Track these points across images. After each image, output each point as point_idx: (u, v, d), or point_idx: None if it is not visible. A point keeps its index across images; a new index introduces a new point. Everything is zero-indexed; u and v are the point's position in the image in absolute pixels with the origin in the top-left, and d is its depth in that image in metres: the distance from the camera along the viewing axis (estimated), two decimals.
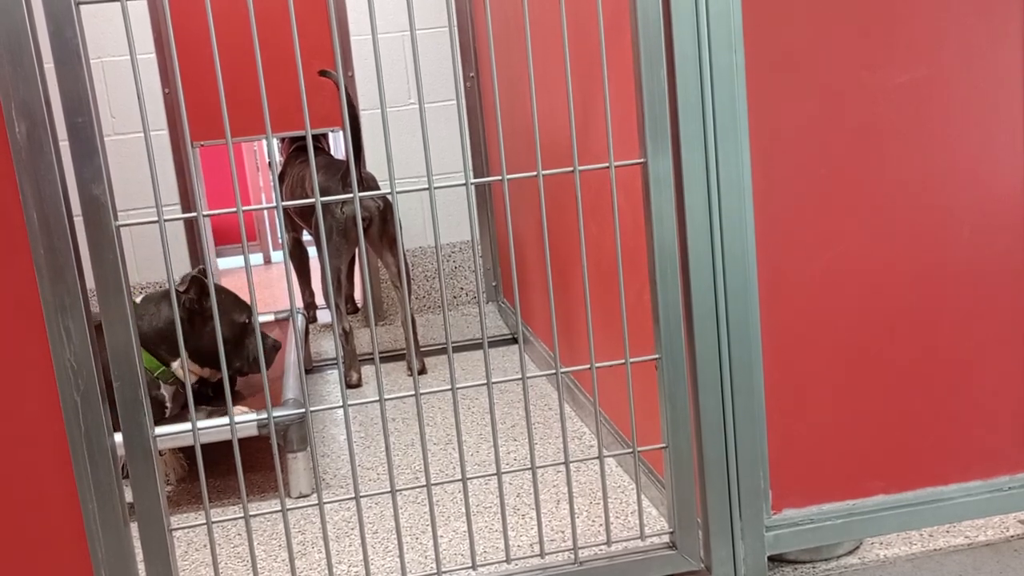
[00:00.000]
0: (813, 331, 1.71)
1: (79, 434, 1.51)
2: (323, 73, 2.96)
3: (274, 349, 2.63)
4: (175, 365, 2.46)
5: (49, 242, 1.45)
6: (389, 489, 1.67)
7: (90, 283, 1.49)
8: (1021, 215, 1.73)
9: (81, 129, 1.44)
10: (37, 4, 1.39)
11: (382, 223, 3.17)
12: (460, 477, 1.71)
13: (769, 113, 1.63)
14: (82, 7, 1.41)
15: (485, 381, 1.67)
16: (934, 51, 1.66)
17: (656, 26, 1.57)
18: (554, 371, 1.71)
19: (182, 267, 3.76)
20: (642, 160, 1.63)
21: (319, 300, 3.93)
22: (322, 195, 3.04)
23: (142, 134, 3.34)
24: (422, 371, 3.33)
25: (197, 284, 2.44)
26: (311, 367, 3.49)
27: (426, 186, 1.58)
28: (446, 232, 3.98)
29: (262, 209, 1.70)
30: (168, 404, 2.47)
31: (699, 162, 1.61)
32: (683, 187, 1.61)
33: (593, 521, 2.12)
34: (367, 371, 3.34)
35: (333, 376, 3.43)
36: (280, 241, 5.70)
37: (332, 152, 3.94)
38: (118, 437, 1.55)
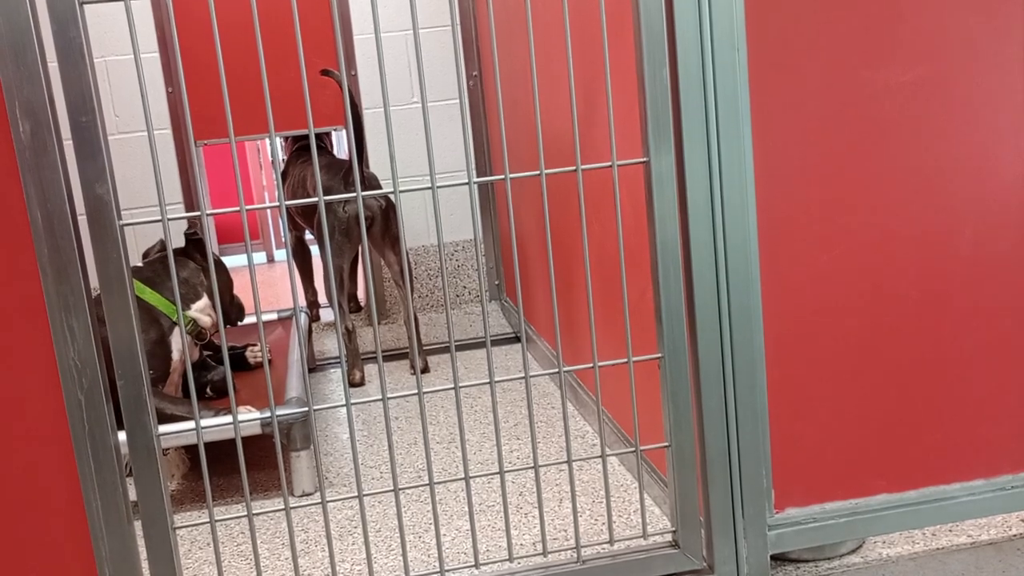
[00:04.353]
0: (816, 330, 1.71)
1: (83, 433, 1.52)
2: (325, 72, 2.96)
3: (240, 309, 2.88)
4: (195, 308, 2.59)
5: (53, 241, 1.45)
6: (392, 488, 1.67)
7: (93, 282, 1.50)
8: (1023, 213, 1.73)
9: (85, 128, 1.44)
10: (41, 4, 1.40)
11: (384, 222, 3.17)
12: (463, 476, 1.71)
13: (771, 111, 1.63)
14: (86, 6, 1.41)
15: (488, 380, 1.67)
16: (936, 49, 1.66)
17: (658, 25, 1.57)
18: (557, 370, 1.71)
19: None
20: (645, 159, 1.63)
21: (322, 299, 3.93)
22: (324, 195, 3.04)
23: (145, 133, 3.34)
24: (425, 370, 3.33)
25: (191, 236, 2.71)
26: (314, 366, 3.49)
27: (429, 185, 1.58)
28: (449, 231, 3.98)
29: (265, 208, 1.70)
30: (173, 355, 2.52)
31: (701, 161, 1.61)
32: (686, 186, 1.61)
33: (596, 520, 2.12)
34: (370, 370, 3.34)
35: (336, 375, 3.44)
36: (283, 240, 5.71)
37: (335, 151, 3.94)
38: (122, 435, 1.56)
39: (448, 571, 1.86)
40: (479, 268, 1.70)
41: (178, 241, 2.69)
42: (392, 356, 3.52)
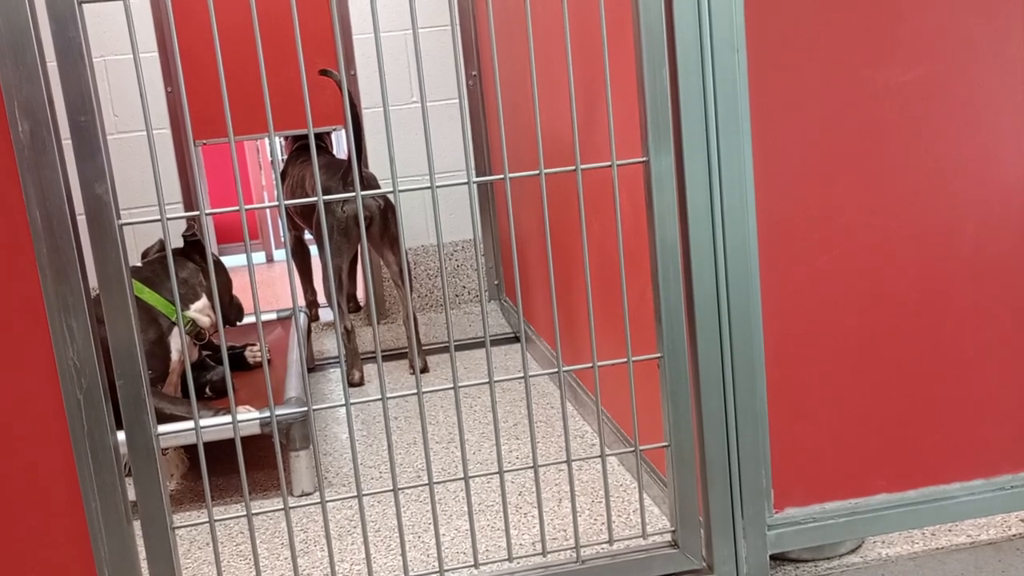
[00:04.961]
0: (815, 329, 1.71)
1: (82, 433, 1.52)
2: (323, 72, 2.95)
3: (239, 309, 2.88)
4: (194, 308, 2.60)
5: (52, 241, 1.45)
6: (391, 487, 1.67)
7: (92, 282, 1.50)
8: None
9: (84, 128, 1.44)
10: (40, 3, 1.40)
11: (383, 222, 3.17)
12: (462, 476, 1.71)
13: (771, 112, 1.63)
14: (85, 6, 1.41)
15: (487, 379, 1.67)
16: (936, 49, 1.66)
17: (658, 25, 1.57)
18: (556, 370, 1.71)
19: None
20: (644, 159, 1.63)
21: (321, 299, 3.93)
22: (323, 195, 3.04)
23: (145, 132, 3.34)
24: (424, 370, 3.33)
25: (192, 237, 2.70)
26: (313, 366, 3.49)
27: (428, 185, 1.58)
28: (448, 231, 3.98)
29: (264, 208, 1.70)
30: (172, 355, 2.52)
31: (701, 161, 1.61)
32: (685, 186, 1.61)
33: (595, 520, 2.12)
34: (369, 369, 3.34)
35: (335, 375, 3.44)
36: (283, 240, 5.70)
37: (334, 151, 3.94)
38: (121, 435, 1.56)
39: (447, 571, 1.86)
40: (478, 268, 1.70)
41: (177, 242, 2.70)
42: (391, 356, 3.52)
